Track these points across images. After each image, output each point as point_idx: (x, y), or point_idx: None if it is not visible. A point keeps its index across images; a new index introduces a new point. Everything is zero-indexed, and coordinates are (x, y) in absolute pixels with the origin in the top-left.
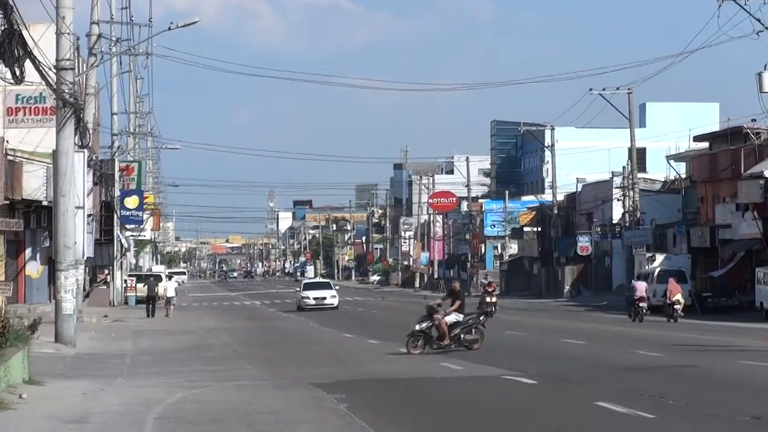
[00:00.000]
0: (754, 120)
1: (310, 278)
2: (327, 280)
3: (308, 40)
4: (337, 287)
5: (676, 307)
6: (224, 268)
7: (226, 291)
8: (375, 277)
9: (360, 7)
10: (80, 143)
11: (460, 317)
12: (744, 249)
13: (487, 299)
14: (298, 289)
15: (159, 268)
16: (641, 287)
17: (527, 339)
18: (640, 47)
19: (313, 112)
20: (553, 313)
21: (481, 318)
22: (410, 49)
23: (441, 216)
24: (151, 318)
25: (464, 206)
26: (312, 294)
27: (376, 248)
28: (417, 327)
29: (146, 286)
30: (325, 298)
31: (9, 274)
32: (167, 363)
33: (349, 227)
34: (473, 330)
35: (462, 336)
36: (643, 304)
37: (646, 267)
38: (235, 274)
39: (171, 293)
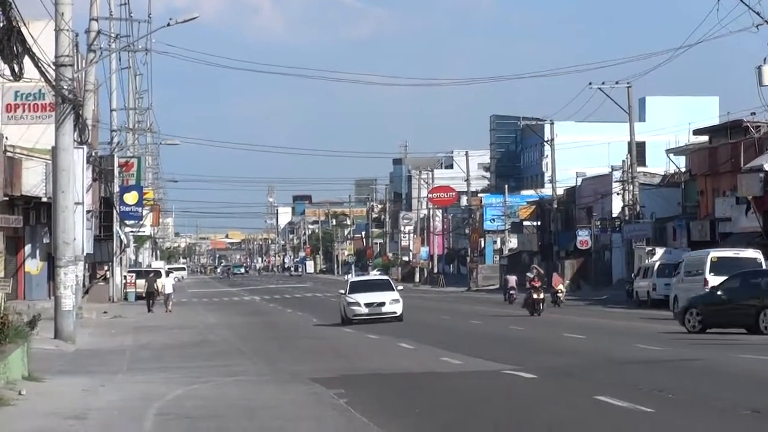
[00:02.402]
0: (753, 113)
1: (359, 275)
2: (384, 278)
3: (308, 34)
4: (400, 287)
5: (558, 294)
6: (224, 263)
7: (226, 287)
8: (375, 272)
9: (360, 2)
10: (79, 139)
11: None
12: (744, 242)
13: (534, 296)
14: (342, 291)
15: (158, 264)
16: (512, 279)
17: (527, 334)
18: (640, 41)
19: (311, 106)
20: (553, 307)
21: None
22: (410, 44)
23: (440, 211)
24: (151, 314)
25: (464, 201)
26: (363, 298)
27: (376, 243)
28: None
29: (146, 282)
30: (383, 305)
31: (8, 271)
32: (167, 359)
33: (348, 222)
34: None
35: None
36: (513, 292)
37: (646, 261)
38: (242, 270)
39: (169, 289)
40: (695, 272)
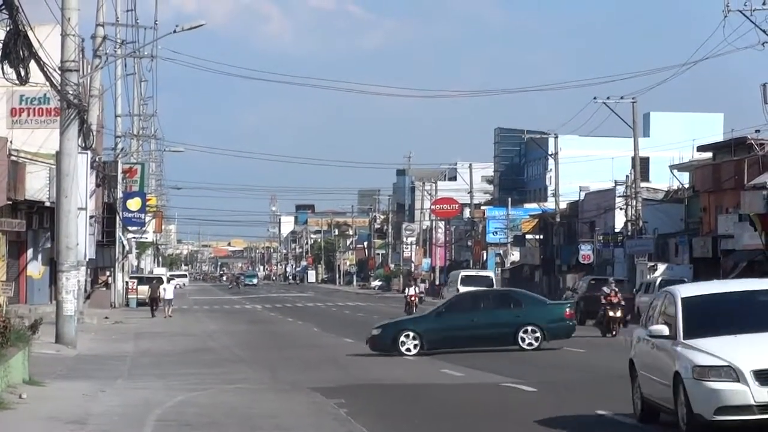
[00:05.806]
0: (758, 131)
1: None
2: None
3: (315, 44)
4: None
5: None
6: (225, 270)
7: (228, 295)
8: (376, 283)
9: (370, 13)
10: (84, 145)
11: None
12: (746, 259)
13: (611, 314)
14: (657, 332)
15: (160, 271)
16: (412, 290)
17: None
18: (645, 57)
19: (316, 116)
20: None
21: None
22: (416, 56)
23: (443, 222)
24: (152, 319)
25: (467, 213)
26: (752, 358)
27: (378, 254)
28: None
29: (149, 289)
30: None
31: (10, 275)
32: (168, 365)
33: (351, 232)
34: None
35: None
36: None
37: (648, 276)
38: (254, 280)
39: (169, 295)
40: (453, 285)
